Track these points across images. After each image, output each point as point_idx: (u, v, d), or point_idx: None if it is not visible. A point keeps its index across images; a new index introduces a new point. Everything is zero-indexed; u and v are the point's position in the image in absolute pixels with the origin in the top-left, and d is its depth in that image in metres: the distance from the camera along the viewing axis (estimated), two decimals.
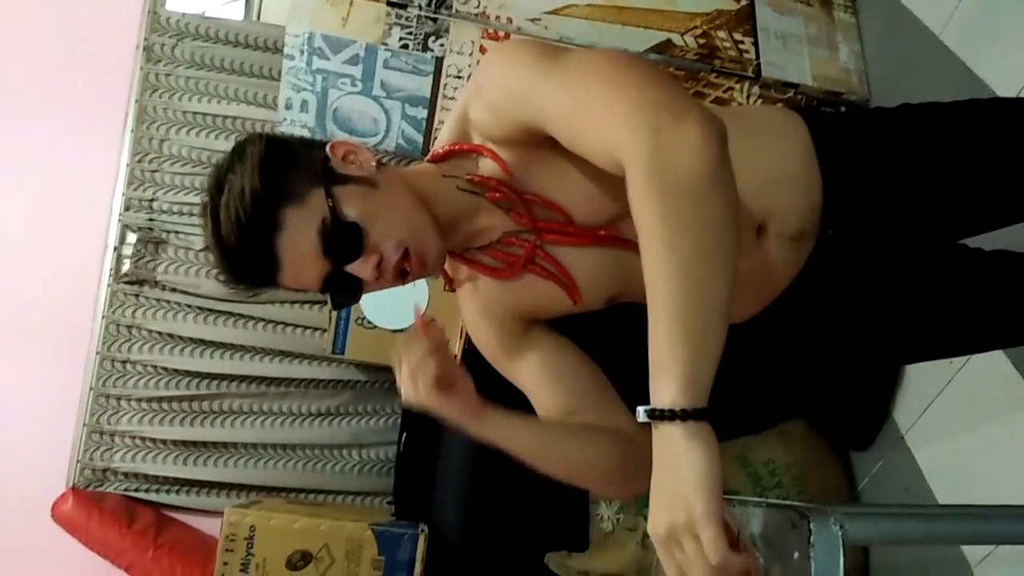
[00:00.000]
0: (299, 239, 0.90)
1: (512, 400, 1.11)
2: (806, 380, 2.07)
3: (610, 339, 1.14)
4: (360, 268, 0.92)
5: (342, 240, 0.91)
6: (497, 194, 0.98)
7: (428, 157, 1.03)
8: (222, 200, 0.90)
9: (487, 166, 0.98)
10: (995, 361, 1.72)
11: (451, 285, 1.11)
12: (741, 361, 1.22)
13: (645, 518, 1.12)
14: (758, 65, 2.25)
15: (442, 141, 1.02)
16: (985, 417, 1.78)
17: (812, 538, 0.64)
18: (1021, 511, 0.94)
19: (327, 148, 0.96)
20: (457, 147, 1.00)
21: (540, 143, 0.92)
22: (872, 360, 1.42)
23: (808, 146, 1.03)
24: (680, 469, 0.69)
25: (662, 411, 0.70)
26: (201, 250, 2.41)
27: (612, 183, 0.90)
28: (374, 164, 0.97)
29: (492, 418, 0.93)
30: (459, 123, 1.00)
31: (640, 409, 0.72)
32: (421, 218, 0.95)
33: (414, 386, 0.89)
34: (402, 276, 0.95)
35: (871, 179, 1.03)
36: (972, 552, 1.72)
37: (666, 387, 0.71)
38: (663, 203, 0.74)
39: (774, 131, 1.05)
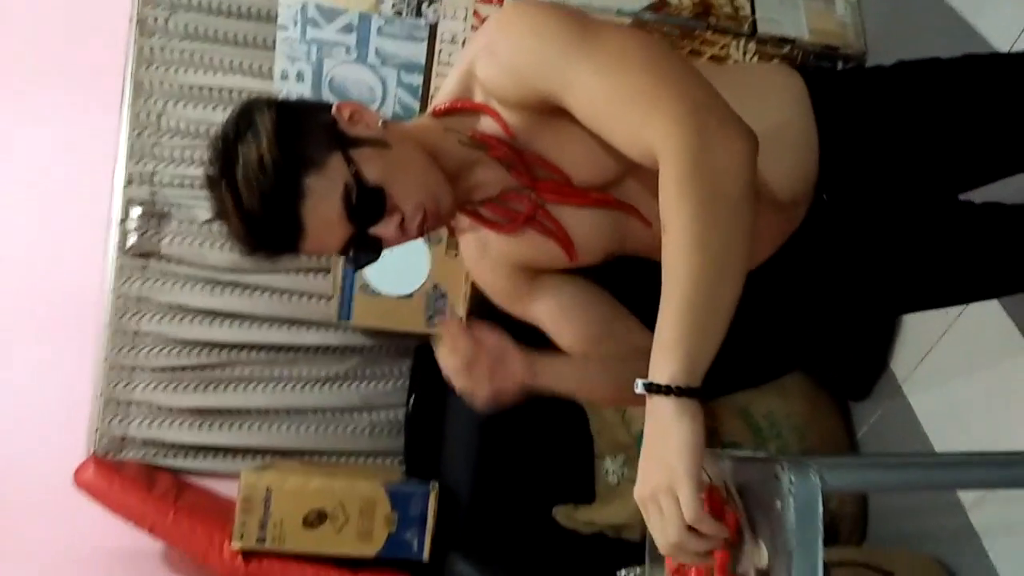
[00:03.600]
0: (323, 206, 0.91)
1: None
2: (803, 334, 2.11)
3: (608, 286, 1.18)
4: (384, 229, 0.94)
5: (366, 204, 0.92)
6: (499, 154, 0.99)
7: (430, 111, 1.04)
8: (238, 172, 0.89)
9: (488, 124, 0.98)
10: (990, 311, 1.75)
11: (452, 234, 1.14)
12: (737, 318, 1.25)
13: None
14: (754, 21, 2.24)
15: (444, 95, 1.02)
16: (981, 366, 1.82)
17: (792, 488, 0.68)
18: (984, 457, 1.00)
19: (333, 110, 0.97)
20: (460, 104, 1.00)
21: (547, 109, 0.93)
22: (867, 313, 1.45)
23: (807, 108, 1.02)
24: (669, 439, 0.75)
25: (659, 386, 0.76)
26: (205, 222, 2.44)
27: (610, 150, 0.92)
28: (380, 123, 0.98)
29: (542, 372, 1.01)
30: (463, 78, 0.99)
31: (639, 382, 0.78)
32: (434, 176, 0.97)
33: (474, 384, 0.96)
34: (423, 234, 0.98)
35: (869, 141, 1.03)
36: (966, 496, 1.77)
37: (667, 365, 0.76)
38: (701, 203, 0.78)
39: (773, 91, 1.03)
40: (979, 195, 1.16)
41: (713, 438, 2.15)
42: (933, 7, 1.99)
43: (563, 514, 2.24)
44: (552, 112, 0.93)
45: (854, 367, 2.12)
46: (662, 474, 0.74)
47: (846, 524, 2.08)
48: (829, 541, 2.06)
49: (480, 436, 2.33)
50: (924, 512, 1.92)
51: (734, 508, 0.75)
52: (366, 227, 0.93)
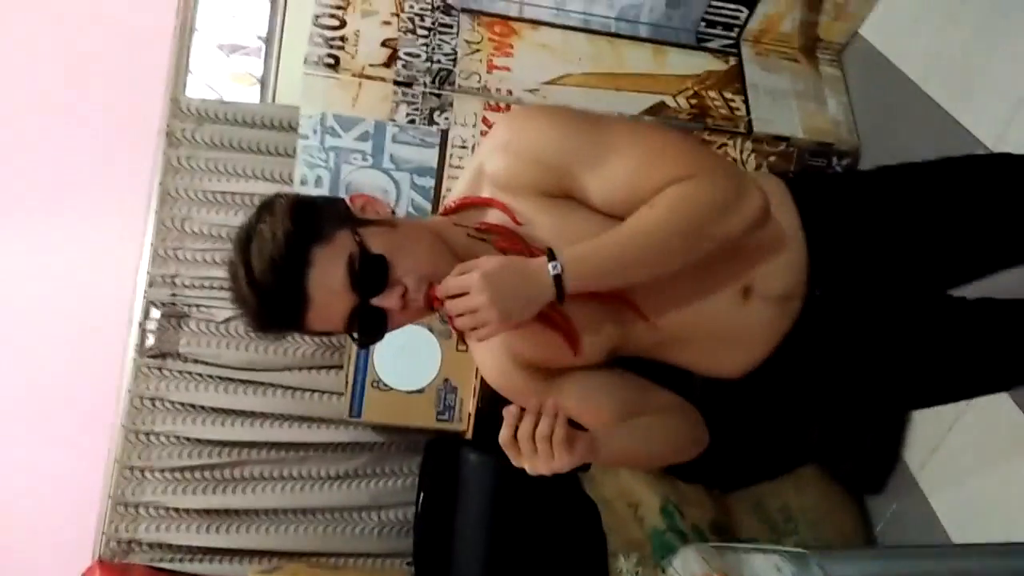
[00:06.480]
0: (328, 275, 0.94)
1: None
2: (812, 427, 2.10)
3: None
4: (386, 299, 0.96)
5: (369, 272, 0.95)
6: (504, 243, 1.03)
7: (440, 210, 1.10)
8: (253, 247, 0.95)
9: (495, 215, 1.04)
10: (998, 400, 1.75)
11: (463, 339, 1.17)
12: (745, 411, 1.26)
13: (663, 569, 1.14)
14: (749, 121, 2.34)
15: (456, 194, 1.09)
16: (993, 457, 1.80)
17: None
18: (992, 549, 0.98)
19: (347, 200, 1.03)
20: (469, 200, 1.07)
21: (551, 198, 1.01)
22: (867, 405, 1.45)
23: (792, 211, 1.09)
24: (532, 287, 0.95)
25: (557, 258, 0.95)
26: (222, 322, 2.50)
27: None
28: (390, 211, 1.04)
29: (603, 447, 0.97)
30: (473, 178, 1.07)
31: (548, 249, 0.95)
32: (440, 252, 1.01)
33: (548, 457, 0.90)
34: (432, 309, 1.00)
35: (853, 240, 1.09)
36: None
37: (573, 256, 0.96)
38: (691, 220, 0.97)
39: None
40: (973, 291, 1.19)
41: (727, 534, 2.11)
42: (920, 103, 2.09)
43: None
44: (557, 201, 1.02)
45: (866, 460, 2.09)
46: (517, 302, 0.94)
47: None
48: None
49: (491, 535, 2.29)
50: None
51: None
52: (368, 296, 0.96)
